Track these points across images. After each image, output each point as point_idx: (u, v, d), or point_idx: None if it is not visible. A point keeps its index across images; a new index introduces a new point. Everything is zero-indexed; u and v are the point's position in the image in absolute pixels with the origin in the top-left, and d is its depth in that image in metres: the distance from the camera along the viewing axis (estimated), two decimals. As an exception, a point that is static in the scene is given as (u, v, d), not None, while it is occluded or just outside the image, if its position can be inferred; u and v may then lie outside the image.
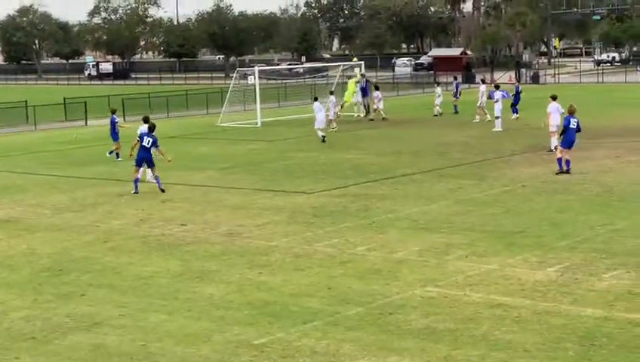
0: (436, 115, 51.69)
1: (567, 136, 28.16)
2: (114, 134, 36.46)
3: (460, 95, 54.88)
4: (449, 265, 17.20)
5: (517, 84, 50.73)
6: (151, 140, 27.35)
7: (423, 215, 22.33)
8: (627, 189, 25.14)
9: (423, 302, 14.79)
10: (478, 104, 47.92)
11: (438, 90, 54.30)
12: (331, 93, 48.62)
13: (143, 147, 27.26)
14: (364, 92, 53.77)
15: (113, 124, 36.60)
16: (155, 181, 27.42)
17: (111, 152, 36.06)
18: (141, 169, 27.85)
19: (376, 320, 13.97)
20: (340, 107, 49.31)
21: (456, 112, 53.34)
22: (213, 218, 22.90)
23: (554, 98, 33.66)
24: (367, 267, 17.34)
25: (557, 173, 27.92)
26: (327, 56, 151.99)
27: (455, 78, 59.99)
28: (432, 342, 12.84)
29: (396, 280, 16.21)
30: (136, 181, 27.30)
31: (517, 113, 46.29)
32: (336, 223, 21.63)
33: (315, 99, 43.16)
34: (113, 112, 37.41)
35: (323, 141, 39.08)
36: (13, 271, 18.17)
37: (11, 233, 22.07)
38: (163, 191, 26.80)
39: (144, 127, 28.56)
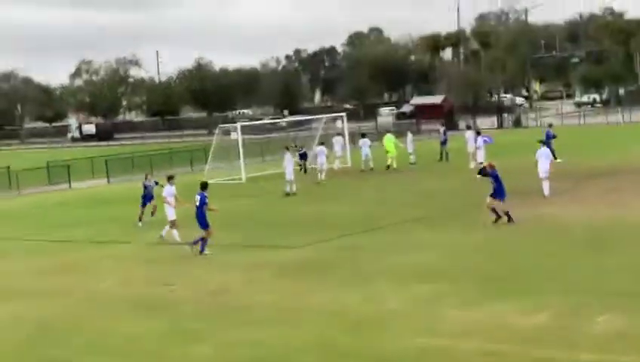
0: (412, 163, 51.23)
1: (502, 187, 27.68)
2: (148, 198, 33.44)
3: (447, 143, 54.17)
4: (440, 314, 16.98)
5: (548, 129, 47.32)
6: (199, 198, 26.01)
7: (412, 264, 22.15)
8: (614, 231, 25.00)
9: (417, 354, 14.54)
10: (471, 150, 47.64)
11: (410, 137, 53.89)
12: (322, 143, 48.50)
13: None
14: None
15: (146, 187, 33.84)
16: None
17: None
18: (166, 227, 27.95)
19: (369, 374, 13.76)
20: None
21: (447, 159, 52.76)
22: (202, 276, 22.62)
23: (543, 143, 33.82)
24: (357, 319, 17.09)
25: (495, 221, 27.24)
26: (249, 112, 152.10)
27: (442, 125, 59.18)
28: (427, 394, 12.61)
29: (388, 332, 15.95)
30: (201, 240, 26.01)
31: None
32: (323, 276, 21.40)
33: (287, 149, 43.00)
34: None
35: (287, 195, 38.79)
36: (-2, 339, 17.81)
37: (-4, 300, 21.67)
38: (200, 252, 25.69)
39: (168, 187, 28.44)
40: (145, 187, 33.52)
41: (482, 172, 28.81)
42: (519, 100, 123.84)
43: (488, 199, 27.63)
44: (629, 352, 13.76)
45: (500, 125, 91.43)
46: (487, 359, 13.96)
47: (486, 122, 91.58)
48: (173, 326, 17.61)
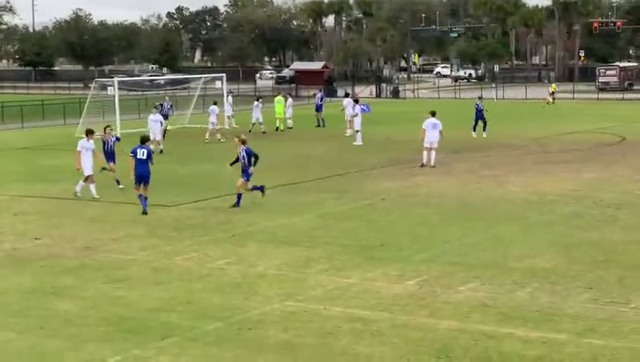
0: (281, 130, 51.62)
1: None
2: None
3: (322, 108, 55.10)
4: (309, 279, 17.16)
5: (478, 103, 47.10)
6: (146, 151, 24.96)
7: (284, 228, 22.31)
8: (483, 204, 25.70)
9: (283, 317, 14.71)
10: (348, 117, 48.14)
11: (289, 101, 54.34)
12: (215, 103, 47.97)
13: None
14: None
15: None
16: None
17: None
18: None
19: (235, 335, 13.81)
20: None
21: (324, 125, 53.54)
22: (70, 231, 22.30)
23: (433, 114, 34.32)
24: (226, 281, 17.16)
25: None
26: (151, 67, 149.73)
27: (320, 91, 60.11)
28: (292, 358, 12.78)
29: (255, 295, 16.08)
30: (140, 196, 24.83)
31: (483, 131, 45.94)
32: (195, 236, 21.37)
33: (155, 107, 42.41)
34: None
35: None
36: None
37: None
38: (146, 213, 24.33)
39: (84, 141, 27.48)
40: (104, 143, 30.76)
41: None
42: (400, 75, 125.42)
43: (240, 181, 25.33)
44: (488, 322, 14.22)
45: (379, 95, 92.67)
46: (353, 324, 14.20)
47: (365, 91, 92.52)
48: (38, 282, 17.30)
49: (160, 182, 29.52)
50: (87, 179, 27.56)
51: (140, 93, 74.02)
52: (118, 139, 30.64)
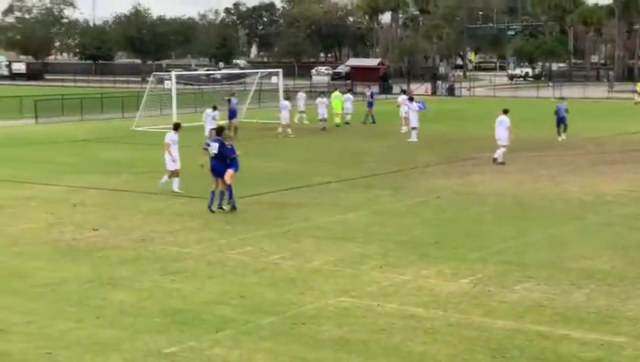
0: (338, 125, 51.46)
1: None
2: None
3: (373, 105, 55.23)
4: (363, 276, 17.09)
5: (560, 104, 44.13)
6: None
7: (339, 224, 22.28)
8: (539, 203, 25.43)
9: (337, 312, 14.67)
10: (401, 115, 48.16)
11: (348, 96, 54.39)
12: (287, 98, 48.50)
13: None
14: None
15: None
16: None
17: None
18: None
19: (289, 329, 13.83)
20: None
21: (373, 122, 53.72)
22: (127, 223, 22.51)
23: (505, 112, 34.33)
24: (280, 276, 17.15)
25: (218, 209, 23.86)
26: (242, 63, 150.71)
27: (369, 87, 60.22)
28: (346, 353, 12.74)
29: (310, 290, 16.06)
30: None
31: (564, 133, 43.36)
32: (250, 231, 21.40)
33: (215, 108, 42.09)
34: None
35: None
36: None
37: None
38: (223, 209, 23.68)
39: (172, 134, 26.66)
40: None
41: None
42: (456, 73, 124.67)
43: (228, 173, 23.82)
44: (544, 323, 14.05)
45: (434, 92, 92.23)
46: (406, 321, 14.14)
47: (420, 89, 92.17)
48: (96, 273, 17.48)
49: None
50: (172, 173, 26.95)
51: (196, 87, 74.52)
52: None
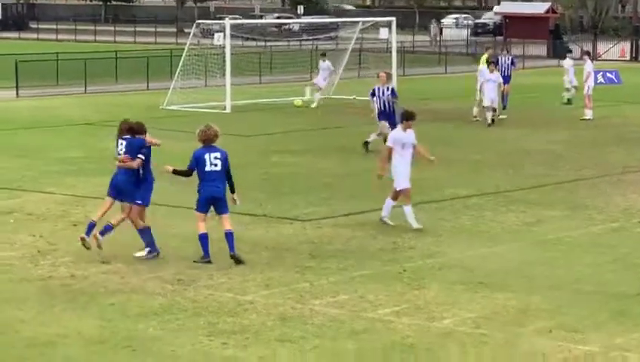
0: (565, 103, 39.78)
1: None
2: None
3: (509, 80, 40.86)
4: (523, 344, 13.41)
5: None
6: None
7: (482, 261, 17.58)
8: None
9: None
10: (586, 91, 38.30)
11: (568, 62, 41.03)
12: (323, 55, 40.58)
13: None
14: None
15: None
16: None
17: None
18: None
19: None
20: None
21: (505, 107, 40.02)
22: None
23: None
24: (392, 341, 13.45)
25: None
26: (348, 5, 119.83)
27: (507, 51, 43.05)
28: None
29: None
30: None
31: None
32: (346, 270, 16.90)
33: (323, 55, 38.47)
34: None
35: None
36: None
37: None
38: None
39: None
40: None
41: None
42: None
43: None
44: None
45: (635, 57, 72.18)
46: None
47: (613, 51, 72.66)
48: (107, 330, 13.60)
49: (288, 183, 23.94)
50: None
51: (262, 44, 62.59)
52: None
